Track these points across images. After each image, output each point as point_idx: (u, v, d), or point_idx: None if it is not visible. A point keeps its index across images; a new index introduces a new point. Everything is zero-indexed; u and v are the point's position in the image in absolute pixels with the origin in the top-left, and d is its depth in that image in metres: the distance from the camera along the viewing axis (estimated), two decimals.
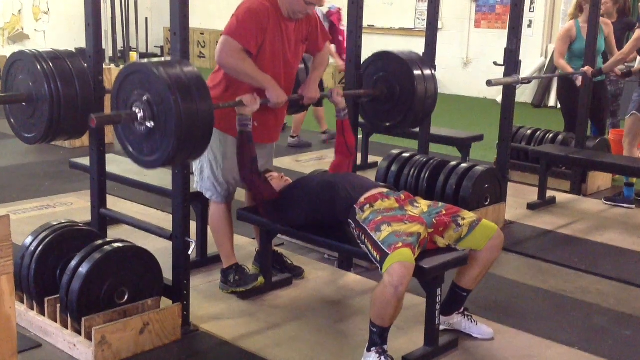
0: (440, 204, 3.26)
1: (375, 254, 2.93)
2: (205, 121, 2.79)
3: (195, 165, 3.68)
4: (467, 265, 3.18)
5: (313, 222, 3.36)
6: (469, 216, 3.17)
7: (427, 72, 3.97)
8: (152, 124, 2.79)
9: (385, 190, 3.27)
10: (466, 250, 3.15)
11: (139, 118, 2.80)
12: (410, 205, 3.20)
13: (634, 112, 5.76)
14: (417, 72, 3.90)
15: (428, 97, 3.96)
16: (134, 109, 2.82)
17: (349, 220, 3.15)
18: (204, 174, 3.65)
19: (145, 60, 2.86)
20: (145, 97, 2.78)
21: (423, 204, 3.23)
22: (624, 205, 5.57)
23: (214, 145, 3.53)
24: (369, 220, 3.05)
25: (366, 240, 3.01)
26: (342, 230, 3.27)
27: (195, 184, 3.71)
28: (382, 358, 2.89)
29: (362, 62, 4.07)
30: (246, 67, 3.38)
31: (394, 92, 3.96)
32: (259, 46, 3.41)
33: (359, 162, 5.01)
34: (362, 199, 3.15)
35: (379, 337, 2.90)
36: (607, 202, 5.65)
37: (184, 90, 2.74)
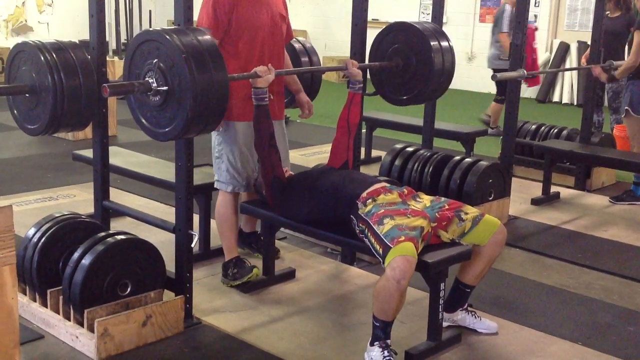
0: (443, 198, 3.25)
1: (377, 247, 2.92)
2: (220, 91, 2.76)
3: (215, 165, 3.69)
4: (470, 261, 3.16)
5: (316, 219, 3.35)
6: (472, 211, 3.16)
7: (444, 43, 3.87)
8: (166, 94, 2.73)
9: (387, 184, 3.26)
10: (469, 245, 3.14)
11: (152, 88, 2.76)
12: (412, 200, 3.19)
13: (627, 108, 5.71)
14: (433, 43, 3.81)
15: (445, 69, 3.87)
16: (147, 78, 2.77)
17: (351, 216, 3.14)
18: (221, 168, 3.65)
19: (162, 30, 2.79)
20: (158, 66, 2.73)
21: (426, 199, 3.22)
22: (636, 203, 5.54)
23: (227, 138, 3.55)
24: (372, 213, 3.04)
25: (369, 234, 3.00)
26: (345, 224, 3.26)
27: (216, 184, 3.71)
28: (385, 352, 2.88)
29: (376, 35, 4.01)
30: None
31: (410, 64, 3.87)
32: (225, 27, 3.47)
33: (362, 156, 4.99)
34: (364, 194, 3.15)
35: (382, 332, 2.89)
36: (616, 203, 5.60)
37: (199, 59, 2.70)
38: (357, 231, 3.12)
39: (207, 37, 2.85)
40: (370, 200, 3.11)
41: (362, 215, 3.08)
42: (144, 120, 2.90)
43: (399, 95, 4.02)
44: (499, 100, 7.76)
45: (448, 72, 3.91)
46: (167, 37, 2.73)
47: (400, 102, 4.06)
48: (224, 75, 2.79)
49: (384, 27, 4.02)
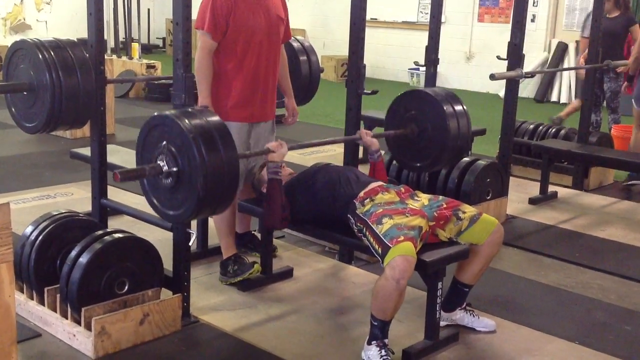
0: (441, 197, 3.25)
1: (377, 247, 2.92)
2: (231, 171, 2.77)
3: None
4: (467, 260, 3.17)
5: (314, 218, 3.35)
6: (469, 210, 3.17)
7: (459, 108, 3.84)
8: (177, 175, 2.77)
9: (384, 183, 3.26)
10: (467, 244, 3.14)
11: (163, 171, 2.78)
12: (410, 199, 3.19)
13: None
14: (448, 109, 3.77)
15: (461, 134, 3.81)
16: (158, 161, 2.80)
17: (349, 215, 3.14)
18: None
19: (169, 112, 2.83)
20: (168, 148, 2.76)
21: (423, 198, 3.22)
22: None
23: None
24: (370, 212, 3.04)
25: (367, 233, 3.01)
26: (343, 224, 3.27)
27: None
28: (383, 351, 2.88)
29: (393, 101, 3.97)
30: (201, 70, 3.47)
31: (426, 131, 3.82)
32: (224, 30, 3.49)
33: (360, 155, 4.99)
34: (362, 194, 3.15)
35: (379, 331, 2.90)
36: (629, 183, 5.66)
37: (207, 138, 2.72)
38: (355, 230, 3.12)
39: (215, 117, 2.87)
40: (368, 200, 3.11)
41: (360, 214, 3.08)
42: (157, 204, 2.91)
43: (417, 162, 3.93)
44: (580, 101, 7.14)
45: (464, 136, 3.85)
46: (175, 119, 2.75)
47: (419, 169, 4.04)
48: (233, 154, 2.80)
49: (399, 95, 3.97)
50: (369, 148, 3.64)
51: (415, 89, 4.03)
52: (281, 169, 3.29)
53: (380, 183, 3.25)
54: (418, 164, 3.94)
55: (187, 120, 2.74)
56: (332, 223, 3.30)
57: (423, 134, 3.84)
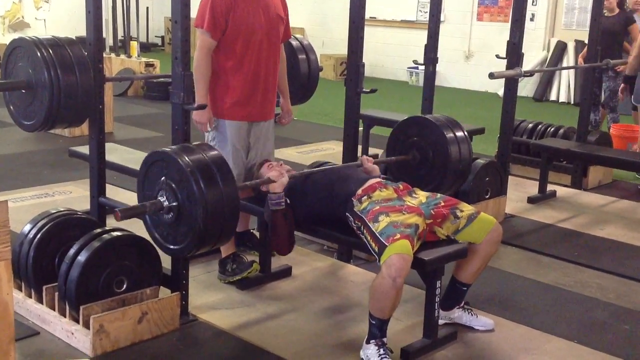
0: (439, 195, 3.25)
1: (373, 245, 2.92)
2: (230, 203, 2.79)
3: None
4: (466, 259, 3.17)
5: (313, 217, 3.35)
6: (467, 209, 3.17)
7: (460, 134, 3.86)
8: (178, 210, 2.78)
9: (383, 180, 3.26)
10: (465, 243, 3.14)
11: (164, 206, 2.80)
12: (408, 196, 3.19)
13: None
14: (449, 135, 3.80)
15: (463, 159, 3.83)
16: (159, 197, 2.81)
17: (347, 213, 3.14)
18: None
19: (167, 148, 2.86)
20: (167, 183, 2.78)
21: (421, 195, 3.22)
22: None
23: (219, 136, 3.58)
24: (367, 210, 3.04)
25: (365, 231, 3.01)
26: (342, 222, 3.26)
27: None
28: (381, 350, 2.88)
29: (394, 127, 4.01)
30: (199, 69, 3.46)
31: (427, 157, 3.86)
32: (223, 29, 3.48)
33: (359, 154, 4.99)
34: (359, 191, 3.15)
35: (378, 330, 2.90)
36: None
37: (205, 171, 2.74)
38: (354, 228, 3.12)
39: (214, 151, 2.89)
40: (365, 197, 3.11)
41: (358, 212, 3.08)
42: (160, 239, 2.92)
43: (420, 187, 3.95)
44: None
45: (466, 160, 3.88)
46: (173, 154, 2.77)
47: None
48: (233, 187, 2.82)
49: (400, 121, 4.01)
50: (370, 174, 3.56)
51: (416, 115, 4.06)
52: (283, 200, 3.24)
53: (378, 179, 3.25)
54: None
55: (185, 155, 2.77)
56: (331, 222, 3.30)
57: (425, 160, 3.88)
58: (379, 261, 2.86)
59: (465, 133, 3.92)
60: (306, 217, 3.36)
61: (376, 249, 2.90)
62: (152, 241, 3.00)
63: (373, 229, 2.93)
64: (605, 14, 6.93)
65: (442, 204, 3.15)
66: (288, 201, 3.29)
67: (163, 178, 2.81)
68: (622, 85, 6.76)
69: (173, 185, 2.78)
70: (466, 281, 3.25)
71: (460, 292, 3.28)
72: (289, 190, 3.38)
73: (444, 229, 3.11)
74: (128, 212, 2.81)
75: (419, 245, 2.95)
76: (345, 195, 3.17)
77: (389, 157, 3.99)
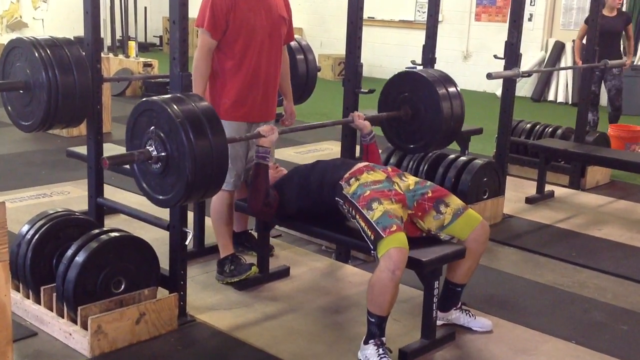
0: (429, 183, 3.23)
1: (368, 232, 2.92)
2: (219, 156, 2.77)
3: None
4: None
5: (305, 209, 3.34)
6: (454, 203, 3.15)
7: (452, 90, 3.83)
8: (166, 160, 2.76)
9: (370, 164, 3.26)
10: (463, 244, 3.14)
11: (152, 156, 2.78)
12: (398, 178, 3.17)
13: None
14: (441, 91, 3.77)
15: (455, 116, 3.81)
16: (147, 147, 2.80)
17: (337, 198, 3.13)
18: None
19: (157, 98, 2.83)
20: (156, 133, 2.76)
21: (411, 179, 3.21)
22: None
23: None
24: (358, 195, 3.03)
25: (357, 217, 3.00)
26: (339, 222, 3.26)
27: None
28: (380, 350, 2.88)
29: (386, 83, 3.98)
30: (199, 69, 3.45)
31: (419, 113, 3.83)
32: (224, 29, 3.48)
33: (357, 154, 4.99)
34: (346, 174, 3.14)
35: (377, 328, 2.89)
36: None
37: (195, 122, 2.72)
38: (345, 211, 3.11)
39: (204, 103, 2.87)
40: (353, 180, 3.10)
41: (348, 195, 3.07)
42: (147, 189, 2.90)
43: (411, 143, 3.95)
44: None
45: (458, 118, 3.85)
46: (163, 104, 2.75)
47: (413, 151, 4.04)
48: (222, 138, 2.80)
49: (392, 76, 3.97)
50: (361, 130, 3.64)
51: (409, 70, 4.02)
52: (269, 155, 3.27)
53: (366, 163, 3.25)
54: (411, 146, 3.96)
55: (175, 106, 2.74)
56: (323, 211, 3.29)
57: (416, 116, 3.84)
58: (374, 249, 2.88)
59: (458, 89, 3.88)
60: (299, 210, 3.35)
61: (372, 237, 2.90)
62: (142, 193, 2.96)
63: (368, 217, 2.93)
64: (605, 14, 6.94)
65: (429, 195, 3.13)
66: (275, 165, 3.32)
67: (152, 128, 2.78)
68: None
69: (162, 135, 2.75)
70: (459, 281, 3.25)
71: (455, 293, 3.28)
72: (282, 185, 3.39)
73: (425, 222, 3.11)
74: (116, 160, 2.79)
75: None
76: (334, 180, 3.16)
77: (380, 113, 3.95)
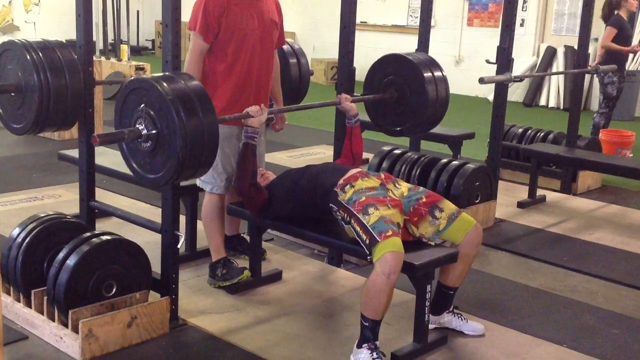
0: (421, 188, 3.24)
1: (364, 236, 2.92)
2: (210, 135, 2.76)
3: None
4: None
5: (297, 214, 3.34)
6: (448, 208, 3.16)
7: (438, 73, 3.86)
8: (156, 138, 2.75)
9: (364, 169, 3.27)
10: (456, 248, 3.14)
11: (142, 134, 2.77)
12: (391, 184, 3.18)
13: None
14: (427, 75, 3.79)
15: (439, 100, 3.84)
16: (137, 125, 2.78)
17: (331, 204, 3.13)
18: None
19: (147, 76, 2.82)
20: (146, 112, 2.75)
21: (404, 186, 3.22)
22: None
23: None
24: (353, 201, 3.03)
25: (353, 222, 3.00)
26: (332, 226, 3.26)
27: (197, 181, 3.70)
28: (374, 354, 2.88)
29: (371, 65, 3.99)
30: (190, 72, 3.42)
31: (404, 96, 3.86)
32: (216, 32, 3.48)
33: None
34: (341, 181, 3.14)
35: (370, 332, 2.89)
36: None
37: (186, 101, 2.71)
38: (339, 218, 3.11)
39: (195, 81, 2.86)
40: (348, 186, 3.10)
41: (343, 202, 3.07)
42: (137, 168, 2.89)
43: (396, 126, 3.98)
44: None
45: (443, 101, 3.87)
46: (153, 82, 2.74)
47: (397, 134, 4.05)
48: (212, 117, 2.80)
49: (378, 59, 3.98)
50: (347, 112, 3.66)
51: (394, 53, 4.03)
52: (257, 135, 3.28)
53: (359, 169, 3.26)
54: (397, 128, 3.99)
55: (165, 84, 2.73)
56: (316, 216, 3.29)
57: (402, 99, 3.86)
58: (369, 253, 2.88)
59: (444, 73, 3.90)
60: (291, 213, 3.35)
61: (367, 241, 2.90)
62: (132, 172, 2.94)
63: (364, 222, 2.93)
64: (622, 15, 7.08)
65: (424, 200, 3.14)
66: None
67: (142, 105, 2.76)
68: None
69: (152, 113, 2.73)
70: (451, 285, 3.25)
71: (447, 297, 3.29)
72: (274, 187, 3.38)
73: (420, 228, 3.11)
74: (106, 138, 2.78)
75: None
76: (328, 186, 3.16)
77: (367, 95, 3.96)
